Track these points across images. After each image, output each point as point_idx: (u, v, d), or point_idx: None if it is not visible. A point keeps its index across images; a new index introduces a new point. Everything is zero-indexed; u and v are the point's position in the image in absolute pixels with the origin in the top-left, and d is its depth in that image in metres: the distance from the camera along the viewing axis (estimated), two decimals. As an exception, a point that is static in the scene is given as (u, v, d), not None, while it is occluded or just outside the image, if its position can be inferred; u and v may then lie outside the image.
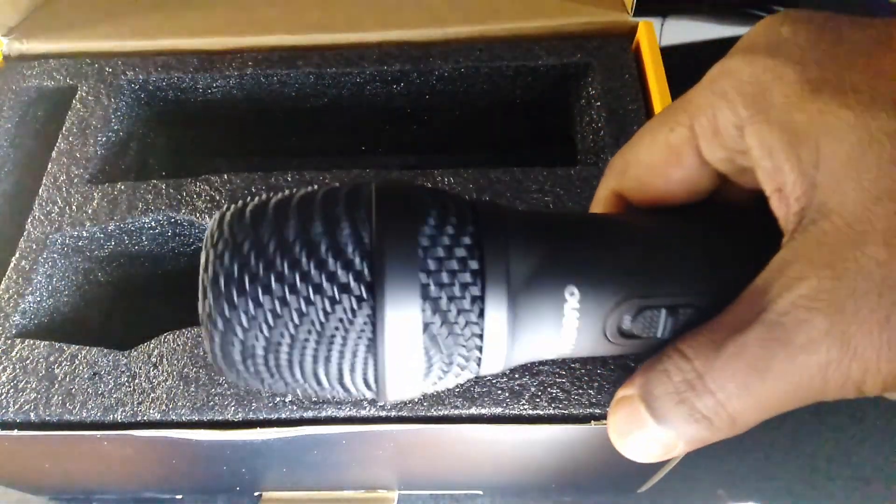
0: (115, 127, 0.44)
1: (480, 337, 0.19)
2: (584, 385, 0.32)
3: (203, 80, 0.46)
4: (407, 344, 0.18)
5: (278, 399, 0.32)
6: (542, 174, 0.39)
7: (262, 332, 0.18)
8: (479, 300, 0.18)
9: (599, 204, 0.25)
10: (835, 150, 0.16)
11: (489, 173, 0.40)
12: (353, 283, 0.18)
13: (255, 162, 0.53)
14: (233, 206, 0.19)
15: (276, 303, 0.18)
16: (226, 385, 0.33)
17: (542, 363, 0.33)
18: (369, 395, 0.20)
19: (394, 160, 0.53)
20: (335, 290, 0.18)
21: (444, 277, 0.18)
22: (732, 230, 0.22)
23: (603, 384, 0.32)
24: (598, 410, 0.31)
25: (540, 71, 0.45)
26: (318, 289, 0.18)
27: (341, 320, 0.18)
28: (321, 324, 0.18)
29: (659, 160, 0.22)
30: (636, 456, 0.20)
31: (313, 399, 0.20)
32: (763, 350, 0.17)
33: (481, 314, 0.18)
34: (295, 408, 0.32)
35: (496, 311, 0.18)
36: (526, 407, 0.32)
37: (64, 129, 0.43)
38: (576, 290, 0.19)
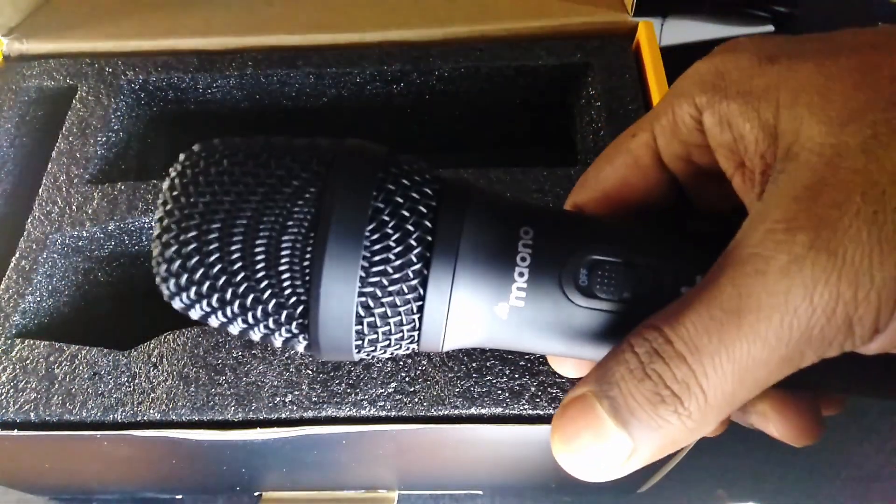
0: (115, 127, 0.44)
1: (430, 247, 0.18)
2: (584, 385, 0.32)
3: (203, 81, 0.46)
4: (352, 222, 0.18)
5: (278, 399, 0.32)
6: (542, 174, 0.39)
7: (216, 193, 0.18)
8: (434, 210, 0.18)
9: None
10: (797, 96, 0.16)
11: (489, 173, 0.40)
12: (314, 162, 0.18)
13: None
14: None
15: (237, 169, 0.18)
16: (226, 385, 0.33)
17: (541, 363, 0.33)
18: (299, 305, 0.18)
19: (394, 160, 0.53)
20: (296, 165, 0.18)
21: (404, 181, 0.18)
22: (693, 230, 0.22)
23: (603, 384, 0.32)
24: (598, 410, 0.31)
25: (540, 71, 0.45)
26: (280, 162, 0.18)
27: (295, 189, 0.18)
28: (272, 185, 0.18)
29: (618, 166, 0.22)
30: (585, 472, 0.17)
31: (239, 316, 0.19)
32: (737, 288, 0.14)
33: (434, 223, 0.18)
34: (295, 408, 0.32)
35: (449, 225, 0.18)
36: (526, 407, 0.32)
37: (64, 129, 0.43)
38: (530, 230, 0.19)
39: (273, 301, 0.18)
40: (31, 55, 0.48)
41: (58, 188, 0.41)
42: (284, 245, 0.18)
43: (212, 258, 0.18)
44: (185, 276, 0.18)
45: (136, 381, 0.33)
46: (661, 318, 0.16)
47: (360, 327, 0.19)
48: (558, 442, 0.17)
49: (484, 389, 0.32)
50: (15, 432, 0.32)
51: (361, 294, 0.18)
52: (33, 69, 0.46)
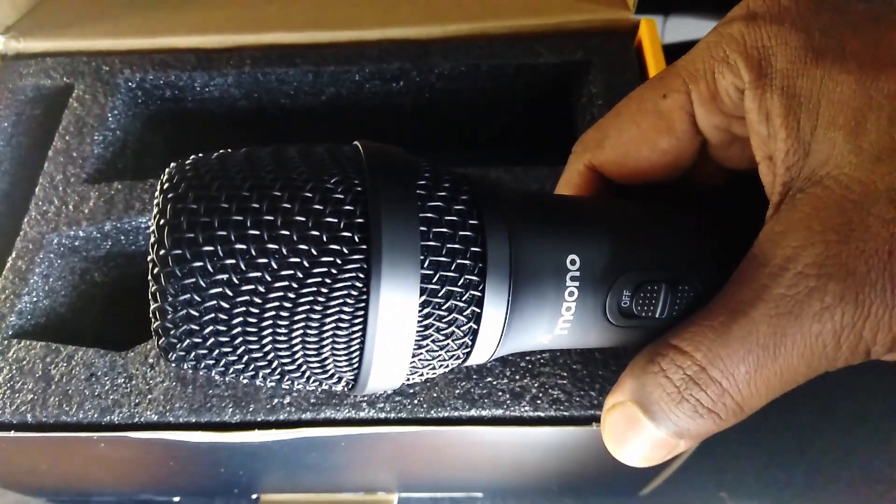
0: (112, 126, 0.44)
1: (480, 302, 0.17)
2: (586, 386, 0.32)
3: (200, 79, 0.46)
4: (403, 298, 0.16)
5: (276, 400, 0.32)
6: (544, 173, 0.39)
7: (229, 287, 0.15)
8: (481, 257, 0.17)
9: (570, 181, 0.24)
10: (834, 116, 0.16)
11: (490, 172, 0.39)
12: (343, 228, 0.15)
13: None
14: (193, 155, 0.17)
15: (253, 249, 0.15)
16: (223, 386, 0.32)
17: (542, 364, 0.32)
18: (348, 374, 0.17)
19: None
20: (323, 234, 0.15)
21: (445, 228, 0.17)
22: (714, 211, 0.22)
23: (605, 385, 0.32)
24: (599, 412, 0.31)
25: (541, 69, 0.45)
26: (304, 235, 0.15)
27: (328, 270, 0.15)
28: (304, 271, 0.15)
29: (647, 128, 0.21)
30: (637, 462, 0.19)
31: (259, 374, 0.17)
32: (772, 328, 0.16)
33: (482, 273, 0.17)
34: (293, 409, 0.32)
35: (497, 270, 0.17)
36: (527, 409, 0.31)
37: (60, 127, 0.43)
38: (577, 259, 0.18)
39: (312, 377, 0.17)
40: (28, 53, 0.47)
41: (54, 187, 0.40)
42: (327, 327, 0.16)
43: (237, 343, 0.16)
44: (203, 353, 0.16)
45: (134, 382, 0.33)
46: (690, 342, 0.17)
47: (406, 380, 0.19)
48: (610, 442, 0.19)
49: (484, 391, 0.32)
50: (11, 433, 0.32)
51: (412, 358, 0.18)
52: (30, 67, 0.46)
